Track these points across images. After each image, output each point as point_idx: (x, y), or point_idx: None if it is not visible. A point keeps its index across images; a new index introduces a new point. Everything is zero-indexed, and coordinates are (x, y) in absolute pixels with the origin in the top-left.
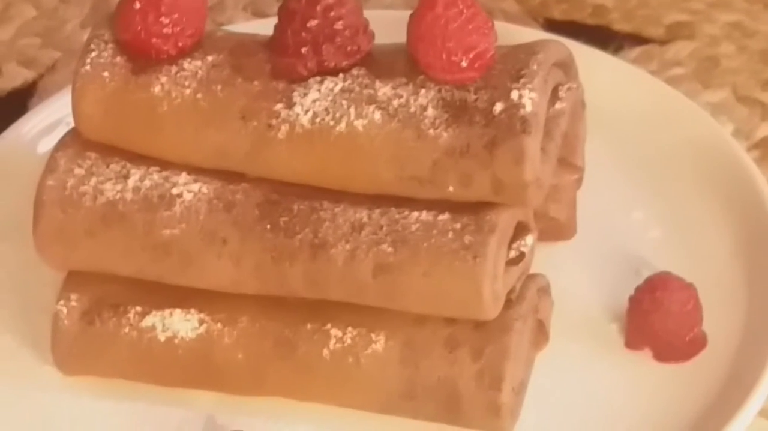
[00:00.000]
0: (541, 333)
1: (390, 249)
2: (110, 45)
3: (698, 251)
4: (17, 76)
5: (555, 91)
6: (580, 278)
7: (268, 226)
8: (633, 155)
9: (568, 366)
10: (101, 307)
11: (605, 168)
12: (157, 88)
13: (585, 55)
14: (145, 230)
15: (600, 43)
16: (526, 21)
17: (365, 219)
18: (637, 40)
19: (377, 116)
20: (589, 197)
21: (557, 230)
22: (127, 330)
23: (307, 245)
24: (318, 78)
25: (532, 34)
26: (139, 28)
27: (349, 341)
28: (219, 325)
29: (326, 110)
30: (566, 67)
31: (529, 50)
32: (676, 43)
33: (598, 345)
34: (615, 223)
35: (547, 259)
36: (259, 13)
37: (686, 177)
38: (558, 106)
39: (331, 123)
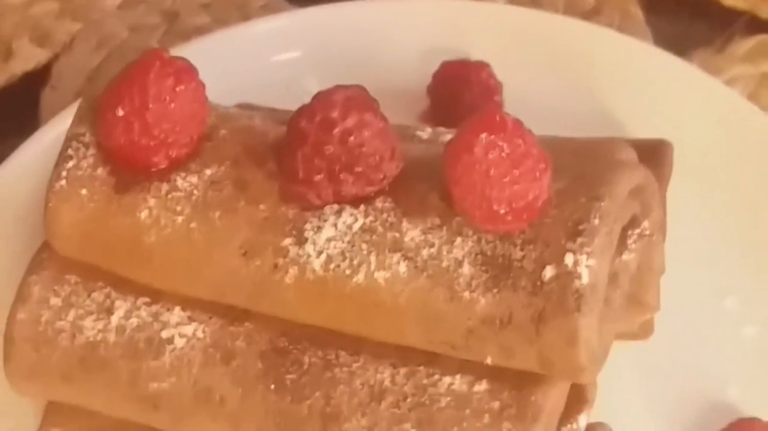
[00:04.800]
0: None
1: None
2: (91, 151)
3: None
4: (29, 57)
5: (624, 233)
6: (653, 402)
7: (273, 386)
8: (727, 221)
9: None
10: None
11: (691, 237)
12: (144, 213)
13: (674, 79)
14: (130, 381)
15: (707, 25)
16: None
17: (387, 383)
18: (753, 24)
19: (402, 267)
20: (669, 275)
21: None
22: None
23: (318, 414)
24: (335, 207)
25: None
26: (122, 140)
27: None
28: None
29: (342, 253)
30: (642, 190)
31: (591, 193)
32: None
33: None
34: (702, 314)
35: (613, 372)
36: None
37: None
38: (625, 257)
39: (348, 272)
